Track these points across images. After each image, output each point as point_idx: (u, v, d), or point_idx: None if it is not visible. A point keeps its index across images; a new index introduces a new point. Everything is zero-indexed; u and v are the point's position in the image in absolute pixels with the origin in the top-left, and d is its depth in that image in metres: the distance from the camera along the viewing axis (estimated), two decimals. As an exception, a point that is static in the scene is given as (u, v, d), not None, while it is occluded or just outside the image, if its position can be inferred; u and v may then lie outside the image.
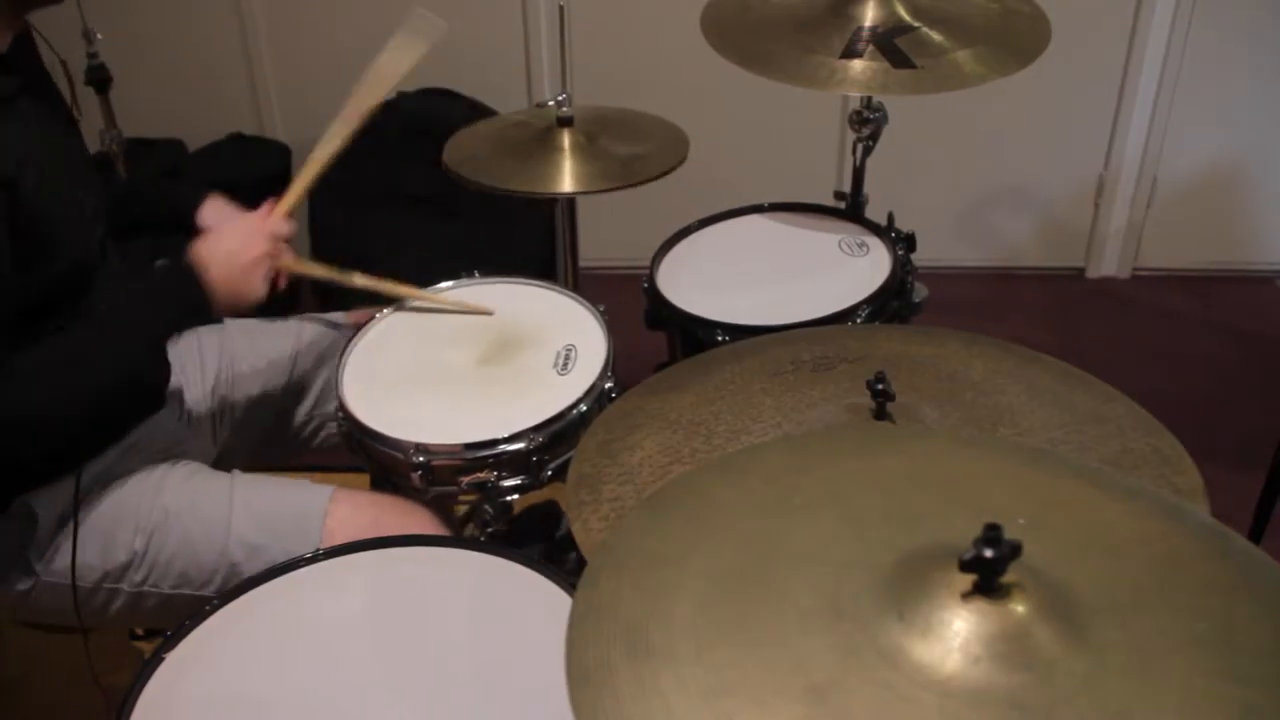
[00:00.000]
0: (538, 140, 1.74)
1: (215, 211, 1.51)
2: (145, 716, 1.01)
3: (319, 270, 1.52)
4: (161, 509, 1.31)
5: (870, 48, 1.53)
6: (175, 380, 1.49)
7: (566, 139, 1.73)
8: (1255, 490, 1.69)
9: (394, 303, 1.57)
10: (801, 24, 1.61)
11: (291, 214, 1.43)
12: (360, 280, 1.51)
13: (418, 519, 1.36)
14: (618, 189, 1.68)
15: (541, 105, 1.81)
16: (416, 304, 1.58)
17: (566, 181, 1.69)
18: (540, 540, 1.48)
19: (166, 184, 1.53)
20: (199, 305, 1.29)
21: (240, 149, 2.97)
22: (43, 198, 1.16)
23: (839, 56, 1.53)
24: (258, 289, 1.33)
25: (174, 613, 1.30)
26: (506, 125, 1.86)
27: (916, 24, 1.57)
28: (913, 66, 1.51)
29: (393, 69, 1.48)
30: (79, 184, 1.26)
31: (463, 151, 1.77)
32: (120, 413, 1.28)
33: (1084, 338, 2.83)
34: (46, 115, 1.25)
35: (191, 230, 1.48)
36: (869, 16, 1.58)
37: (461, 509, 1.65)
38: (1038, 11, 1.61)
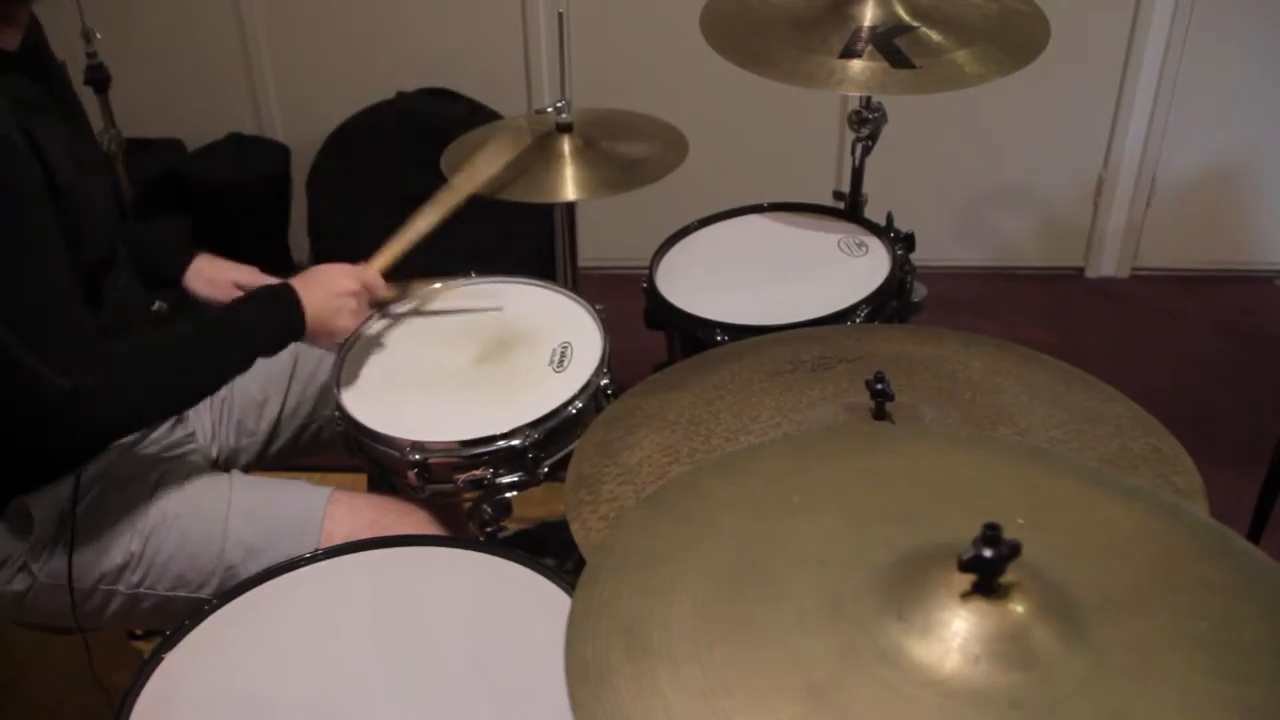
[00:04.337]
0: (537, 147, 1.74)
1: (205, 270, 1.52)
2: (145, 716, 1.01)
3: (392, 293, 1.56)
4: (159, 511, 1.31)
5: (869, 47, 1.53)
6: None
7: (566, 145, 1.72)
8: (1255, 490, 1.69)
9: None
10: (801, 24, 1.61)
11: (384, 273, 1.49)
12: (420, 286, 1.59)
13: (416, 520, 1.36)
14: (623, 192, 1.68)
15: (541, 112, 1.81)
16: (423, 306, 1.58)
17: (567, 189, 1.69)
18: (557, 555, 1.48)
19: (155, 240, 1.53)
20: (295, 326, 1.34)
21: (239, 149, 2.97)
22: (73, 193, 1.17)
23: (838, 56, 1.53)
24: (346, 322, 1.40)
25: (171, 615, 1.30)
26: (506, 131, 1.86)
27: (915, 24, 1.57)
28: (912, 66, 1.51)
29: (486, 168, 1.62)
30: (93, 181, 1.26)
31: (462, 159, 1.77)
32: (188, 407, 1.38)
33: (1083, 337, 2.83)
34: (63, 114, 1.26)
35: (176, 287, 1.51)
36: (868, 16, 1.58)
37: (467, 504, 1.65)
38: (1036, 11, 1.61)
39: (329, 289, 1.38)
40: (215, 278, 1.52)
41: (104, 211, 1.29)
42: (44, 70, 1.26)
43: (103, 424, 1.19)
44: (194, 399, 1.34)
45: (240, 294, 1.49)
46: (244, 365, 1.31)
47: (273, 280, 1.49)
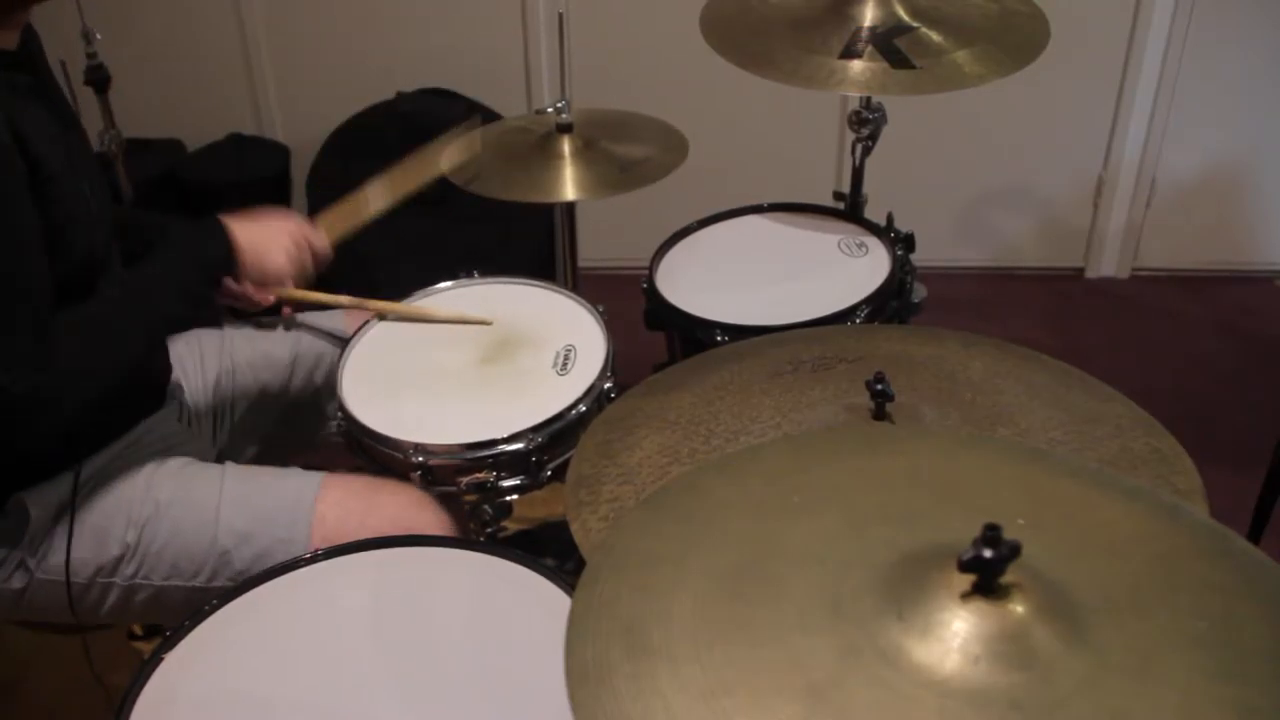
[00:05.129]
0: (538, 147, 1.74)
1: None
2: (145, 716, 1.01)
3: (323, 297, 1.57)
4: (152, 501, 1.31)
5: (869, 48, 1.53)
6: (175, 380, 1.49)
7: (566, 145, 1.72)
8: (1255, 490, 1.69)
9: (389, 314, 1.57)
10: (801, 24, 1.61)
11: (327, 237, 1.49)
12: (367, 304, 1.57)
13: (409, 498, 1.35)
14: (624, 192, 1.68)
15: (541, 112, 1.81)
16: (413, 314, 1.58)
17: (567, 189, 1.69)
18: (557, 555, 1.48)
19: (167, 222, 1.53)
20: (223, 257, 1.33)
21: (239, 149, 2.97)
22: (59, 188, 1.17)
23: (838, 57, 1.53)
24: (281, 263, 1.39)
25: (167, 606, 1.31)
26: (506, 132, 1.86)
27: (915, 24, 1.57)
28: (912, 66, 1.51)
29: (434, 161, 1.65)
30: (86, 183, 1.26)
31: (463, 159, 1.77)
32: (145, 360, 1.35)
33: (1083, 338, 2.83)
34: (55, 114, 1.26)
35: None
36: (868, 17, 1.58)
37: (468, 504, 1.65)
38: (1036, 11, 1.61)
39: (266, 228, 1.38)
40: None
41: (98, 212, 1.28)
42: (37, 72, 1.26)
43: (59, 411, 1.17)
44: (140, 351, 1.31)
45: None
46: (182, 306, 1.30)
47: None
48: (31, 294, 1.15)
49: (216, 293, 1.37)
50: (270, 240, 1.39)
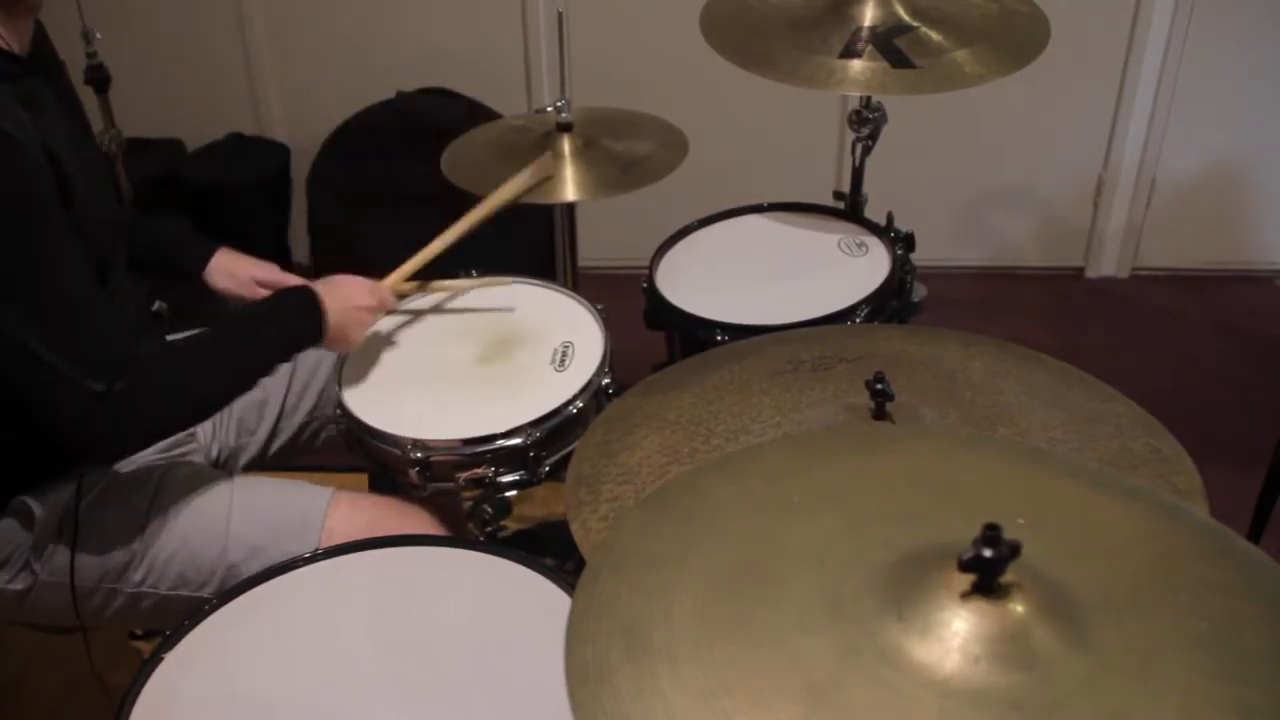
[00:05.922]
0: (538, 147, 1.73)
1: (225, 265, 1.52)
2: (145, 716, 1.01)
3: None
4: (160, 510, 1.31)
5: (869, 47, 1.53)
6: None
7: (566, 145, 1.72)
8: (1255, 490, 1.69)
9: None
10: (801, 24, 1.61)
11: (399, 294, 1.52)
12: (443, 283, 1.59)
13: (417, 520, 1.36)
14: (625, 192, 1.68)
15: (541, 111, 1.81)
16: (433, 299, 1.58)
17: (568, 190, 1.69)
18: (557, 555, 1.48)
19: (173, 233, 1.54)
20: (316, 331, 1.35)
21: (239, 149, 2.97)
22: (77, 194, 1.17)
23: (838, 56, 1.53)
24: (359, 337, 1.42)
25: (172, 614, 1.30)
26: (505, 131, 1.86)
27: (915, 24, 1.57)
28: (912, 66, 1.51)
29: (514, 189, 1.62)
30: (94, 182, 1.26)
31: (461, 159, 1.77)
32: (215, 411, 1.38)
33: (1083, 338, 2.83)
34: (71, 120, 1.26)
35: (195, 282, 1.52)
36: (868, 16, 1.58)
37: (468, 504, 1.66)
38: (1036, 11, 1.61)
39: (350, 301, 1.39)
40: (236, 272, 1.52)
41: (104, 212, 1.29)
42: (50, 73, 1.26)
43: (135, 426, 1.19)
44: (221, 403, 1.33)
45: (260, 290, 1.49)
46: (267, 369, 1.32)
47: (293, 279, 1.49)
48: (90, 302, 1.17)
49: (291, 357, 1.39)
50: (354, 314, 1.40)
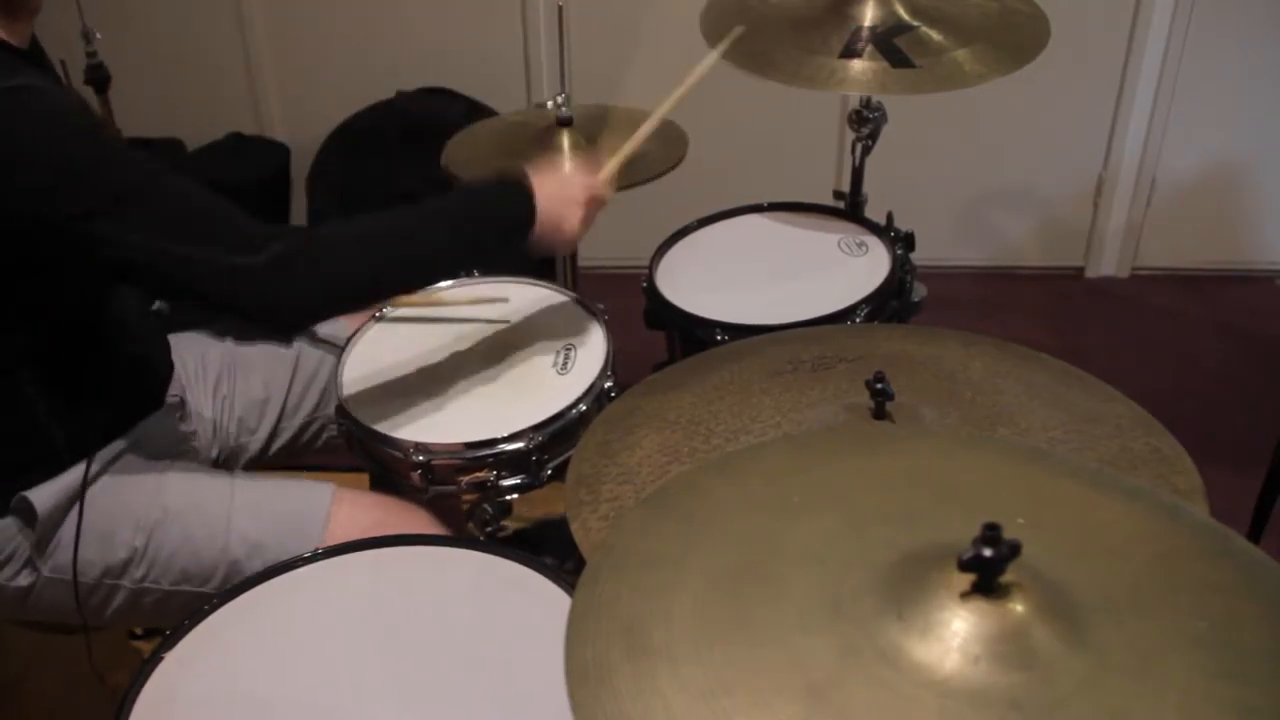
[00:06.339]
0: (537, 141, 1.74)
1: None
2: (145, 716, 1.01)
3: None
4: (162, 507, 1.31)
5: (869, 47, 1.53)
6: (177, 380, 1.49)
7: (566, 139, 1.72)
8: (1255, 490, 1.69)
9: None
10: (801, 24, 1.61)
11: (612, 183, 1.46)
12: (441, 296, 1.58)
13: (419, 519, 1.36)
14: (617, 190, 1.68)
15: (541, 106, 1.81)
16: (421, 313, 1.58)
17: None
18: (557, 554, 1.49)
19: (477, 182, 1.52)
20: (525, 217, 1.31)
21: (239, 149, 2.97)
22: None
23: (838, 56, 1.53)
24: (575, 227, 1.36)
25: (174, 610, 1.31)
26: (506, 126, 1.86)
27: (915, 23, 1.57)
28: (912, 66, 1.51)
29: (704, 70, 1.57)
30: None
31: (462, 154, 1.77)
32: (403, 284, 1.35)
33: (1083, 337, 2.83)
34: None
35: None
36: (868, 16, 1.58)
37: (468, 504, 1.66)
38: (1036, 11, 1.61)
39: (564, 190, 1.35)
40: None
41: None
42: (46, 69, 1.27)
43: (307, 285, 1.19)
44: (408, 277, 1.31)
45: None
46: (467, 253, 1.30)
47: None
48: (211, 196, 1.17)
49: (502, 246, 1.34)
50: (569, 205, 1.35)
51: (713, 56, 1.55)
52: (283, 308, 1.21)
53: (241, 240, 1.15)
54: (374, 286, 1.29)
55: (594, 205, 1.39)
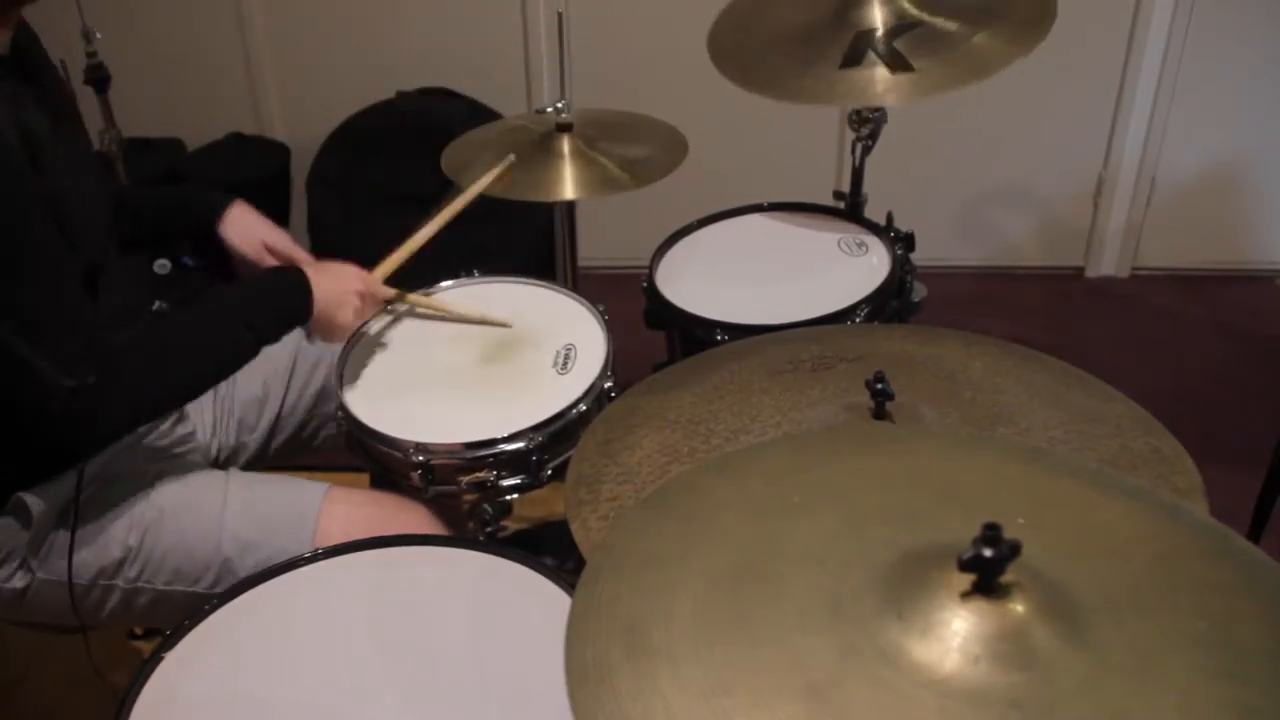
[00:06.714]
0: (537, 146, 1.73)
1: (241, 217, 1.52)
2: (145, 716, 1.01)
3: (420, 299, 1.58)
4: (156, 506, 1.31)
5: (872, 54, 1.53)
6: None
7: (566, 144, 1.72)
8: (1255, 490, 1.69)
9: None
10: (802, 36, 1.61)
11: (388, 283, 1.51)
12: (414, 297, 1.58)
13: (413, 516, 1.36)
14: (621, 191, 1.68)
15: (541, 111, 1.81)
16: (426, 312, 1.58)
17: (567, 188, 1.68)
18: (557, 555, 1.49)
19: (188, 189, 1.55)
20: (301, 311, 1.35)
21: (239, 148, 2.97)
22: (58, 191, 1.17)
23: (839, 67, 1.52)
24: (348, 320, 1.41)
25: (168, 610, 1.31)
26: (505, 131, 1.86)
27: (926, 17, 1.56)
28: (911, 69, 1.50)
29: (477, 188, 1.64)
30: (85, 183, 1.26)
31: (462, 158, 1.77)
32: (197, 395, 1.35)
33: (1083, 337, 2.83)
34: (53, 116, 1.26)
35: (212, 238, 1.51)
36: (874, 19, 1.57)
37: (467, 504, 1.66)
38: None
39: (338, 284, 1.39)
40: (249, 230, 1.52)
41: (96, 214, 1.28)
42: (35, 72, 1.26)
43: (109, 419, 1.18)
44: (202, 388, 1.33)
45: (268, 255, 1.50)
46: (251, 353, 1.30)
47: (302, 254, 1.50)
48: (76, 294, 1.16)
49: (280, 338, 1.37)
50: (343, 298, 1.39)
51: (482, 183, 1.63)
52: (82, 438, 1.18)
53: (69, 359, 1.12)
54: (173, 404, 1.34)
55: (368, 301, 1.45)
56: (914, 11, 1.57)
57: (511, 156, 1.69)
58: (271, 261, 1.49)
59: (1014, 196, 3.00)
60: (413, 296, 1.56)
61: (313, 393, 1.59)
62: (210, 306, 1.32)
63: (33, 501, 1.27)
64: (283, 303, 1.35)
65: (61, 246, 1.15)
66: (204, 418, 1.53)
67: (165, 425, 1.43)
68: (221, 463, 1.54)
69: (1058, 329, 2.86)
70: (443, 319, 1.57)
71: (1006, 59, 1.49)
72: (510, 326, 1.54)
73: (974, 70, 1.49)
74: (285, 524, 1.31)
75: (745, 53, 1.63)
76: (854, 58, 1.53)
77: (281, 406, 1.58)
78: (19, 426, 1.15)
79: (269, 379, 1.57)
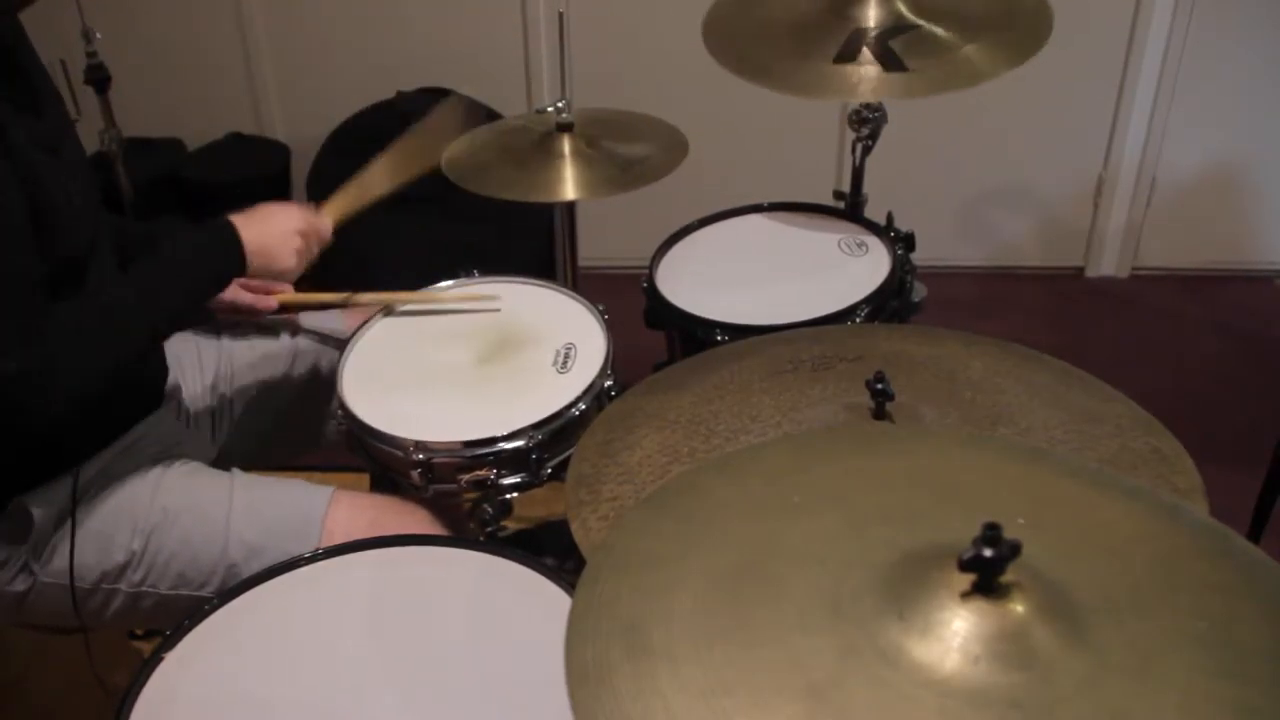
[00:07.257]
0: (538, 146, 1.73)
1: None
2: (145, 716, 1.01)
3: (325, 298, 1.57)
4: (160, 509, 1.31)
5: (873, 48, 1.53)
6: (173, 380, 1.49)
7: (566, 144, 1.72)
8: (1255, 490, 1.69)
9: (395, 306, 1.57)
10: (799, 30, 1.61)
11: (335, 224, 1.49)
12: (365, 298, 1.57)
13: (417, 520, 1.36)
14: (621, 191, 1.68)
15: (541, 111, 1.81)
16: (420, 306, 1.58)
17: (567, 188, 1.68)
18: (557, 555, 1.49)
19: (174, 225, 1.55)
20: (234, 263, 1.33)
21: (239, 148, 2.97)
22: (38, 181, 1.16)
23: (833, 62, 1.53)
24: (289, 259, 1.39)
25: (172, 613, 1.30)
26: (506, 131, 1.86)
27: (920, 21, 1.56)
28: (905, 69, 1.50)
29: (434, 144, 1.63)
30: (68, 174, 1.25)
31: (462, 159, 1.77)
32: (139, 359, 1.33)
33: (1083, 337, 2.83)
34: (35, 107, 1.25)
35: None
36: (870, 18, 1.57)
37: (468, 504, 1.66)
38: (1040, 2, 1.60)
39: (273, 227, 1.38)
40: None
41: (81, 206, 1.27)
42: (12, 64, 1.25)
43: (57, 396, 1.16)
44: (147, 351, 1.32)
45: (244, 291, 1.49)
46: (187, 307, 1.31)
47: (274, 284, 1.49)
48: (20, 279, 1.14)
49: (221, 292, 1.37)
50: (279, 240, 1.39)
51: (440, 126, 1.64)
52: (30, 419, 1.16)
53: (6, 342, 1.11)
54: (118, 374, 1.27)
55: (311, 237, 1.43)
56: (910, 16, 1.57)
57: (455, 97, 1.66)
58: (247, 297, 1.50)
59: (1014, 196, 3.00)
60: (396, 296, 1.56)
61: (313, 393, 1.59)
62: (143, 271, 1.31)
63: (33, 504, 1.27)
64: (215, 260, 1.34)
65: (14, 233, 1.13)
66: (204, 418, 1.53)
67: (165, 426, 1.43)
68: (220, 463, 1.54)
69: (1058, 329, 2.86)
70: (432, 312, 1.57)
71: (994, 71, 1.50)
72: (499, 309, 1.54)
73: (964, 77, 1.50)
74: (291, 528, 1.31)
75: (740, 40, 1.63)
76: (849, 54, 1.53)
77: (281, 407, 1.58)
78: None
79: (267, 380, 1.57)
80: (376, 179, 1.54)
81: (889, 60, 1.51)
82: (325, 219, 1.47)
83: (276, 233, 1.38)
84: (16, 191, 1.13)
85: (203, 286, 1.33)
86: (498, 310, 1.56)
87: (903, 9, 1.58)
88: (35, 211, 1.15)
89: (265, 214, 1.40)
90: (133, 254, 1.42)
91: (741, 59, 1.58)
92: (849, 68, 1.52)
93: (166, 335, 1.32)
